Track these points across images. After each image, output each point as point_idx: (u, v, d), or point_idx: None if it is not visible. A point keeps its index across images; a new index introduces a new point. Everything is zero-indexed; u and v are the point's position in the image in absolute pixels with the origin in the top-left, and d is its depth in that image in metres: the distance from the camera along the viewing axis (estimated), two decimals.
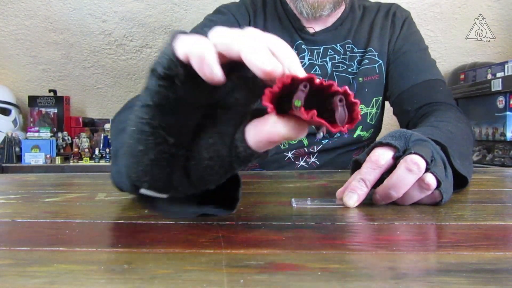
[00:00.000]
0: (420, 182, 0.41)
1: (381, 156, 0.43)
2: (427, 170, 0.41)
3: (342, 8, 0.92)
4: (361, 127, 0.90)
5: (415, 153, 0.41)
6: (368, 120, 0.90)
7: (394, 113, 0.91)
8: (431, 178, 0.41)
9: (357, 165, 0.47)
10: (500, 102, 1.54)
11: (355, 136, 0.90)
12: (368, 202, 0.44)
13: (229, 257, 0.26)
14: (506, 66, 1.57)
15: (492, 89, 1.55)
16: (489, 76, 1.64)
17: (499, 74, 1.59)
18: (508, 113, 1.51)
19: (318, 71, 0.88)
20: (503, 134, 1.53)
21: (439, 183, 0.41)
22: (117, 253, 0.27)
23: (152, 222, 0.36)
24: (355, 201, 0.42)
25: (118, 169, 0.37)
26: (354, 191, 0.43)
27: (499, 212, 0.40)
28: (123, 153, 0.33)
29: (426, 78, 0.85)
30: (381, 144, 0.44)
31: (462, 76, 1.83)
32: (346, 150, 0.90)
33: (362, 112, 0.89)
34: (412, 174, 0.41)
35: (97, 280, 0.22)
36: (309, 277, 0.23)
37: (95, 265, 0.25)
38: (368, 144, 0.94)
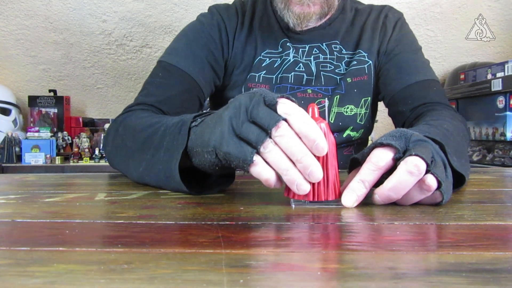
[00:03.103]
0: (421, 183, 0.41)
1: (381, 158, 0.43)
2: (427, 171, 0.41)
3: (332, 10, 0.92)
4: (351, 127, 0.90)
5: (415, 154, 0.40)
6: (358, 121, 0.90)
7: (389, 114, 0.91)
8: (432, 179, 0.40)
9: (355, 164, 0.47)
10: (500, 102, 1.54)
11: (344, 136, 0.90)
12: (368, 202, 0.44)
13: (229, 257, 0.26)
14: (506, 66, 1.57)
15: (492, 89, 1.55)
16: (489, 76, 1.64)
17: (499, 74, 1.59)
18: (508, 113, 1.51)
19: (302, 68, 0.89)
20: (503, 134, 1.53)
21: (439, 184, 0.41)
22: (117, 253, 0.27)
23: (152, 222, 0.36)
24: (353, 202, 0.42)
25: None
26: (353, 191, 0.42)
27: (499, 212, 0.40)
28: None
29: (420, 79, 0.85)
30: (382, 145, 0.44)
31: (462, 76, 1.83)
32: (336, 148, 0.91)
33: (352, 113, 0.89)
34: (413, 176, 0.40)
35: (97, 280, 0.22)
36: (309, 277, 0.23)
37: (95, 265, 0.25)
38: (358, 144, 0.95)
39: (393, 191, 0.41)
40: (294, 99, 0.43)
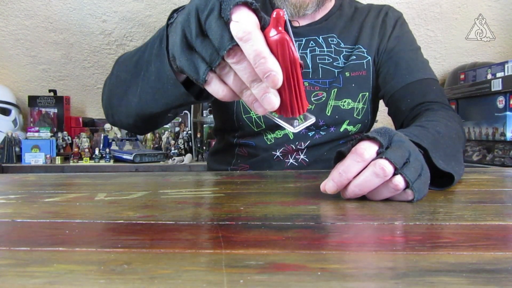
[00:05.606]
0: (388, 183, 0.43)
1: (367, 150, 0.44)
2: (397, 173, 0.43)
3: (331, 5, 0.94)
4: (347, 121, 0.90)
5: (385, 158, 0.43)
6: (355, 115, 0.90)
7: (389, 113, 0.91)
8: (399, 179, 0.43)
9: (340, 156, 0.48)
10: (500, 102, 1.54)
11: (341, 130, 0.90)
12: (368, 202, 0.45)
13: (229, 257, 0.26)
14: (506, 66, 1.57)
15: (492, 89, 1.55)
16: (489, 76, 1.64)
17: (499, 74, 1.59)
18: (508, 113, 1.51)
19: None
20: (503, 134, 1.53)
21: (407, 184, 0.43)
22: (117, 253, 0.27)
23: (152, 222, 0.36)
24: (330, 186, 0.45)
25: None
26: (333, 181, 0.45)
27: (499, 212, 0.40)
28: None
29: (419, 77, 0.86)
30: (368, 138, 0.46)
31: (462, 76, 1.83)
32: (334, 145, 0.90)
33: (349, 107, 0.89)
34: (378, 177, 0.43)
35: (97, 280, 0.22)
36: (309, 277, 0.23)
37: (95, 265, 0.25)
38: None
39: (358, 187, 0.44)
40: (256, 4, 0.39)
